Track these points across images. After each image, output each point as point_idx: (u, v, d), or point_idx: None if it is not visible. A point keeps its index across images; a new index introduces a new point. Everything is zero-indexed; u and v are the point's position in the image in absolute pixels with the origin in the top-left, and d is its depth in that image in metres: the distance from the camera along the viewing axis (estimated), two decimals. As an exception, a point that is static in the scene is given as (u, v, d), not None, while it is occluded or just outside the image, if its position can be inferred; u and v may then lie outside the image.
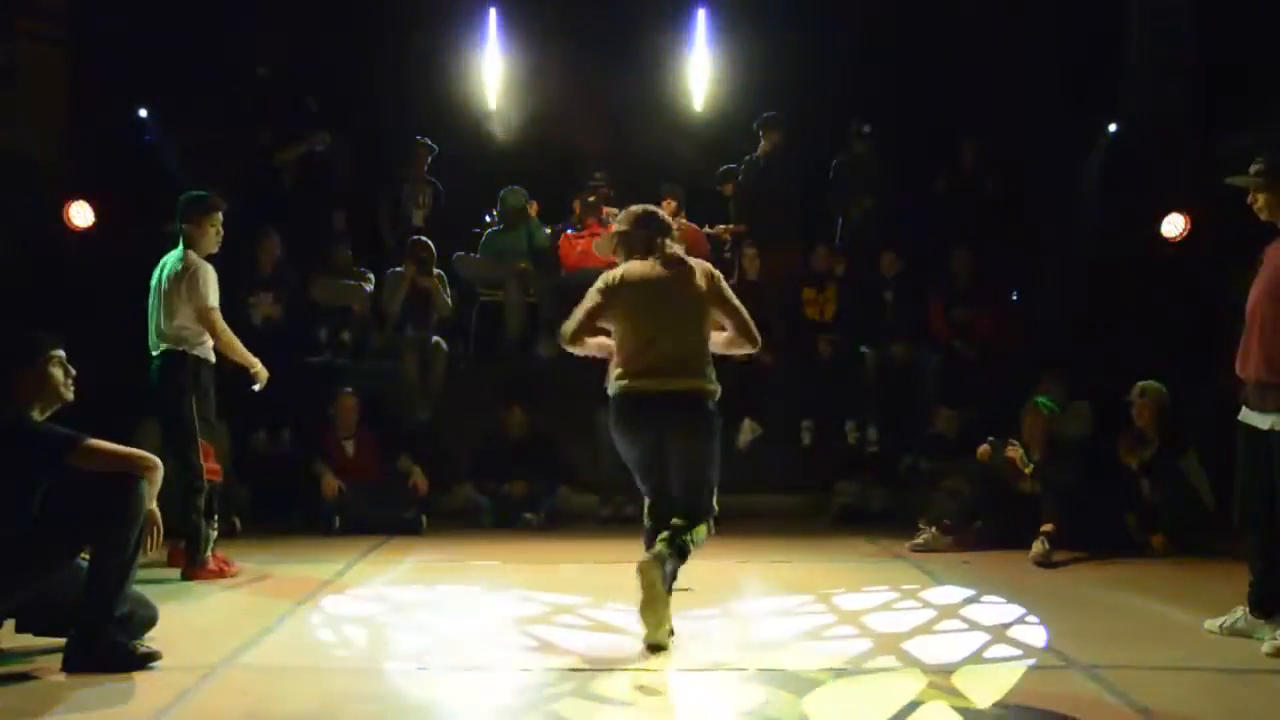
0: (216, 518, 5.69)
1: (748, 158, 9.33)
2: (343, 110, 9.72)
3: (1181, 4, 9.06)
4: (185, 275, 5.47)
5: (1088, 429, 7.30)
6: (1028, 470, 6.44)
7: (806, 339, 8.37)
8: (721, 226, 9.51)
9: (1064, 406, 7.04)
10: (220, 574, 5.49)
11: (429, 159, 9.40)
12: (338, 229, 8.89)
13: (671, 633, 4.09)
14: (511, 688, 3.70)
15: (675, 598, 4.32)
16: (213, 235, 5.62)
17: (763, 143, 9.25)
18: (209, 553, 5.52)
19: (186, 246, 5.57)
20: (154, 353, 5.56)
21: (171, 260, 5.56)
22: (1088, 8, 9.23)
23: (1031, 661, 3.99)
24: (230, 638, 4.21)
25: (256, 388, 5.68)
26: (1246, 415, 4.27)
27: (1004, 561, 6.00)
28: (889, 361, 8.24)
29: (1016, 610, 4.77)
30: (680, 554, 4.10)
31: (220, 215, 5.66)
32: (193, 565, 5.46)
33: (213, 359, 5.62)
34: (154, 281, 5.59)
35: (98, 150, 8.33)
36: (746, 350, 4.65)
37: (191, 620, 4.66)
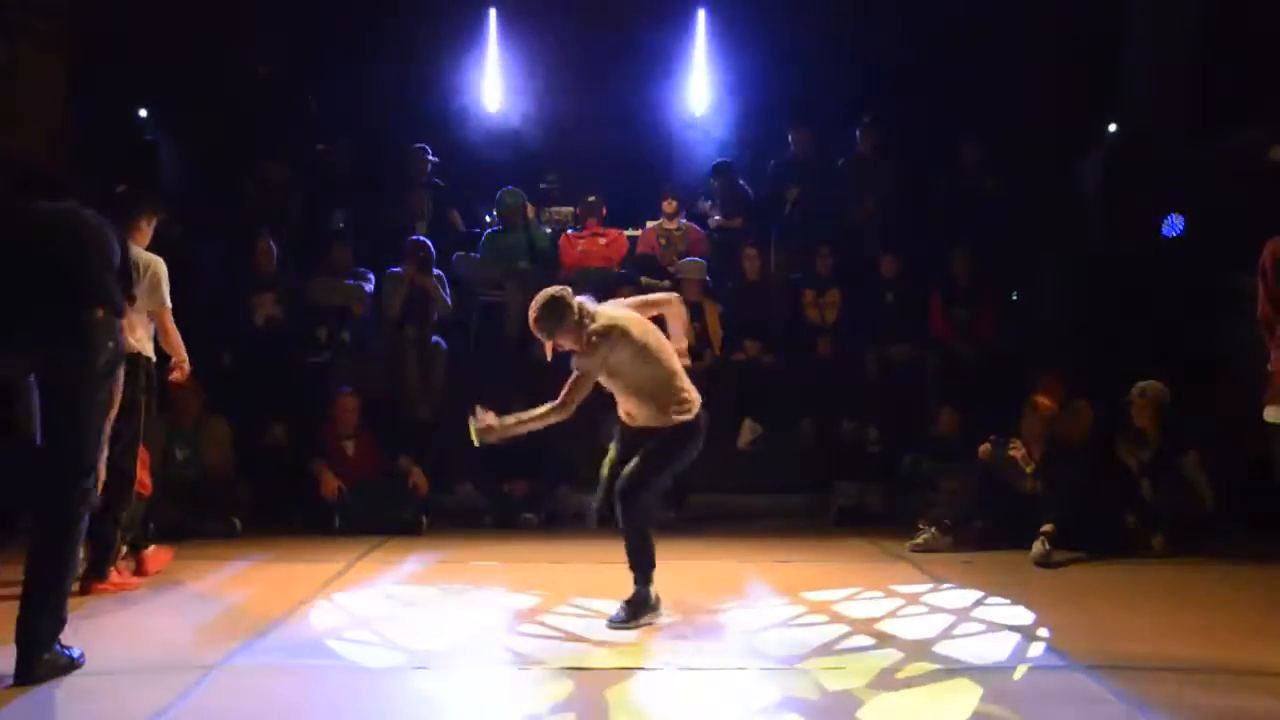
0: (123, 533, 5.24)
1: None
2: (343, 110, 9.75)
3: (1181, 4, 9.07)
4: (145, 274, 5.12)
5: (1088, 429, 7.29)
6: (1029, 470, 6.44)
7: (807, 339, 8.39)
8: (720, 219, 9.53)
9: (1064, 406, 7.03)
10: (120, 588, 5.09)
11: (428, 167, 9.42)
12: (338, 229, 8.90)
13: None
14: (511, 687, 3.70)
15: (677, 597, 4.60)
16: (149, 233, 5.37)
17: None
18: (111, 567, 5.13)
19: (136, 240, 5.22)
20: None
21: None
22: (1087, 8, 9.24)
23: (1031, 661, 3.99)
24: (230, 638, 4.20)
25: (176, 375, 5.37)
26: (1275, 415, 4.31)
27: (1004, 562, 5.99)
28: (889, 361, 8.24)
29: (1017, 610, 4.77)
30: None
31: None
32: (95, 578, 5.01)
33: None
34: None
35: (97, 150, 8.32)
36: None
37: (191, 619, 4.66)
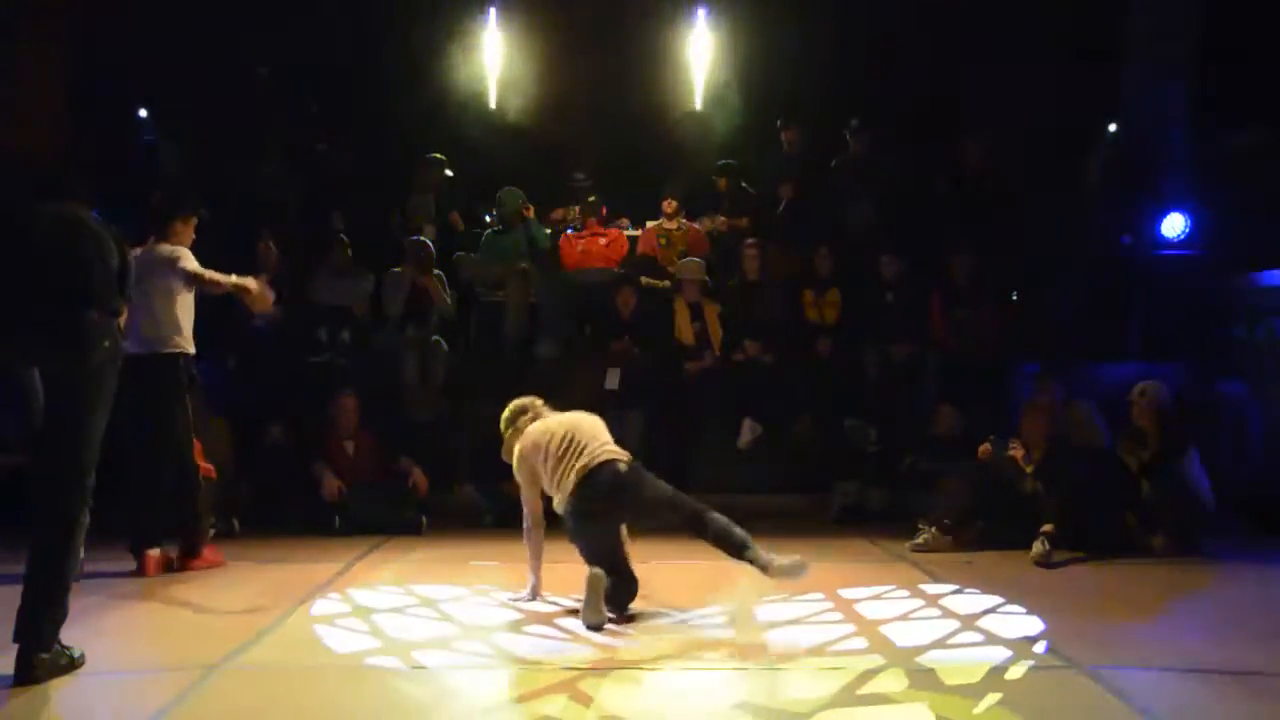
0: (213, 518, 5.92)
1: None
2: (343, 109, 9.75)
3: (1181, 3, 9.07)
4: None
5: (1088, 429, 7.30)
6: (1029, 470, 6.44)
7: (807, 339, 8.39)
8: (721, 219, 9.54)
9: (1064, 406, 7.03)
10: (212, 564, 5.70)
11: (439, 175, 9.42)
12: (337, 229, 8.89)
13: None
14: (511, 687, 3.70)
15: (678, 596, 4.66)
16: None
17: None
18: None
19: (173, 242, 5.60)
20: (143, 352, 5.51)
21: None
22: (1088, 8, 9.24)
23: (1032, 661, 3.99)
24: (230, 638, 4.20)
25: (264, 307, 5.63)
26: None
27: (1004, 562, 5.99)
28: (889, 361, 8.24)
29: (1017, 610, 4.76)
30: None
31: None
32: (188, 557, 5.66)
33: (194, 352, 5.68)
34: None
35: (97, 150, 8.33)
36: None
37: (191, 619, 4.66)
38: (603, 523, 4.72)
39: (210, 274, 5.51)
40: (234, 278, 5.50)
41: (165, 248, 5.56)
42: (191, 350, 5.61)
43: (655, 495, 4.70)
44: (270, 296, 5.54)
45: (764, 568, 4.48)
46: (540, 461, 4.79)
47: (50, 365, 3.80)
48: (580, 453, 4.72)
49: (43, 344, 3.80)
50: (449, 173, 9.52)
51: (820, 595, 5.06)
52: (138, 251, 5.49)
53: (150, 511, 5.55)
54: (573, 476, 4.67)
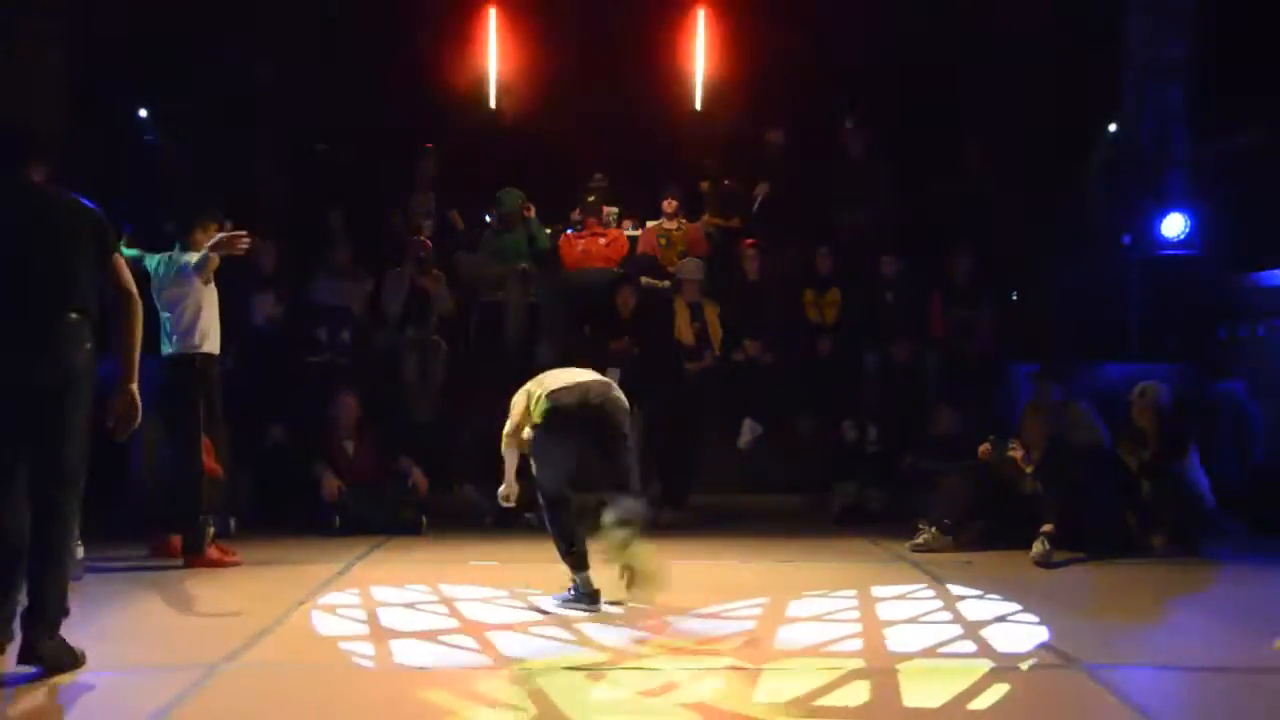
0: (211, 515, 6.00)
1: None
2: (343, 109, 9.75)
3: (1180, 3, 9.08)
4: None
5: (1087, 429, 7.30)
6: (1029, 470, 6.44)
7: (807, 339, 8.40)
8: (708, 217, 9.55)
9: (1063, 406, 7.04)
10: (220, 563, 5.77)
11: (435, 166, 9.41)
12: (337, 229, 8.89)
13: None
14: (511, 687, 3.70)
15: (677, 597, 4.68)
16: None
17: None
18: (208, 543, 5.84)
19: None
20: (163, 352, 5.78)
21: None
22: (1087, 8, 9.24)
23: (1032, 661, 3.99)
24: (230, 637, 4.20)
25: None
26: None
27: (1004, 562, 6.00)
28: (889, 361, 8.25)
29: (1017, 610, 4.77)
30: None
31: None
32: (194, 555, 5.75)
33: (218, 352, 5.90)
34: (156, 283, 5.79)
35: (98, 150, 8.33)
36: None
37: (191, 619, 4.66)
38: (564, 437, 4.74)
39: (207, 256, 5.66)
40: (211, 249, 5.66)
41: (182, 256, 5.80)
42: (214, 350, 5.88)
43: (614, 430, 4.74)
44: (242, 238, 5.61)
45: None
46: (535, 385, 4.87)
47: (30, 371, 3.70)
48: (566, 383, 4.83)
49: (21, 350, 3.70)
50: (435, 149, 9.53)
51: (818, 596, 5.06)
52: (163, 257, 5.83)
53: (162, 500, 5.90)
54: (546, 399, 4.75)
